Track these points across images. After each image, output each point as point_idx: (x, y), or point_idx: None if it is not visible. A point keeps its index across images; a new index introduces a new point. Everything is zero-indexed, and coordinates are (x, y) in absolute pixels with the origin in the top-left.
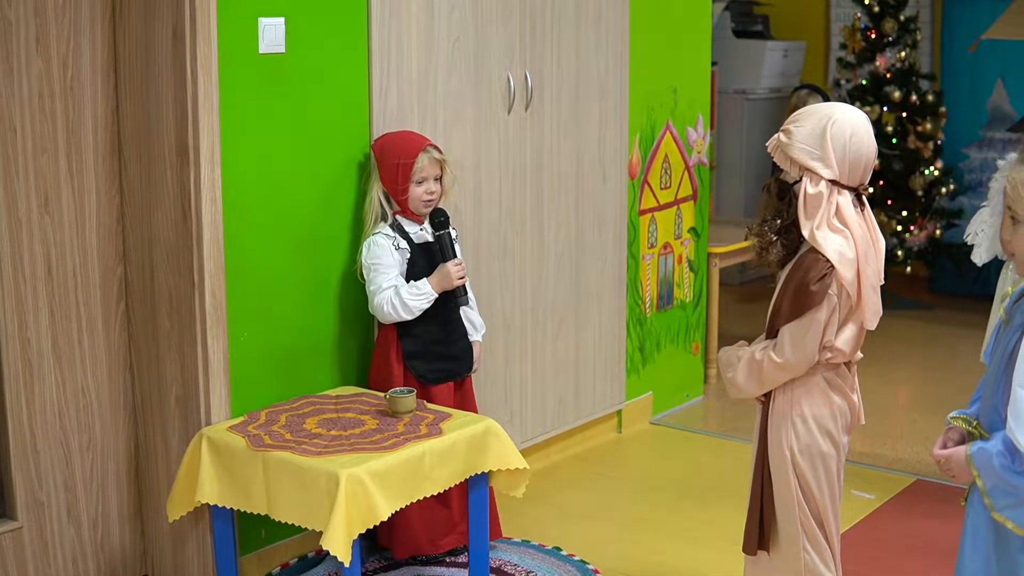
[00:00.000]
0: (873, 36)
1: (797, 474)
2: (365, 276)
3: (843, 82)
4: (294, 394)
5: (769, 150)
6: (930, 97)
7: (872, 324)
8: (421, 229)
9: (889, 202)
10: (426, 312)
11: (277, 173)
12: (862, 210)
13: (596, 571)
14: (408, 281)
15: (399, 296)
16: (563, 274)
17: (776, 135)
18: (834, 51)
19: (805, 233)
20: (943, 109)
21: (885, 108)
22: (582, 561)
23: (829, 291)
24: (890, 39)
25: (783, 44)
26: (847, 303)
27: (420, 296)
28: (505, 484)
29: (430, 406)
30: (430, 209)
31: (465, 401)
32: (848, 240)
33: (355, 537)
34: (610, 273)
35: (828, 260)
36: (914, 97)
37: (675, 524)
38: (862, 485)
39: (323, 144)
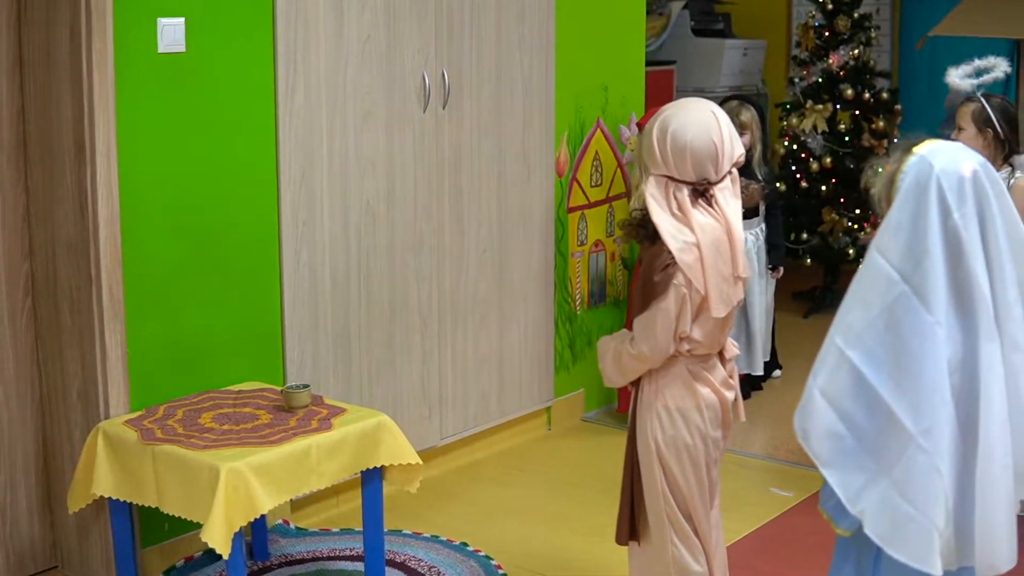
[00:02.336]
0: (827, 34)
1: (662, 465)
2: None
3: (796, 80)
4: (199, 388)
5: None
6: (885, 95)
7: (718, 312)
8: None
9: (842, 200)
10: None
11: (179, 171)
12: (709, 204)
13: (499, 567)
14: None
15: None
16: (485, 271)
17: None
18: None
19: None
20: (898, 107)
21: (838, 106)
22: (487, 557)
23: (674, 281)
24: (844, 37)
25: (743, 43)
26: (699, 293)
27: None
28: (400, 479)
29: (327, 401)
30: None
31: None
32: (685, 226)
33: (236, 530)
34: (536, 271)
35: (670, 251)
36: (867, 95)
37: (588, 520)
38: (783, 483)
39: (227, 142)
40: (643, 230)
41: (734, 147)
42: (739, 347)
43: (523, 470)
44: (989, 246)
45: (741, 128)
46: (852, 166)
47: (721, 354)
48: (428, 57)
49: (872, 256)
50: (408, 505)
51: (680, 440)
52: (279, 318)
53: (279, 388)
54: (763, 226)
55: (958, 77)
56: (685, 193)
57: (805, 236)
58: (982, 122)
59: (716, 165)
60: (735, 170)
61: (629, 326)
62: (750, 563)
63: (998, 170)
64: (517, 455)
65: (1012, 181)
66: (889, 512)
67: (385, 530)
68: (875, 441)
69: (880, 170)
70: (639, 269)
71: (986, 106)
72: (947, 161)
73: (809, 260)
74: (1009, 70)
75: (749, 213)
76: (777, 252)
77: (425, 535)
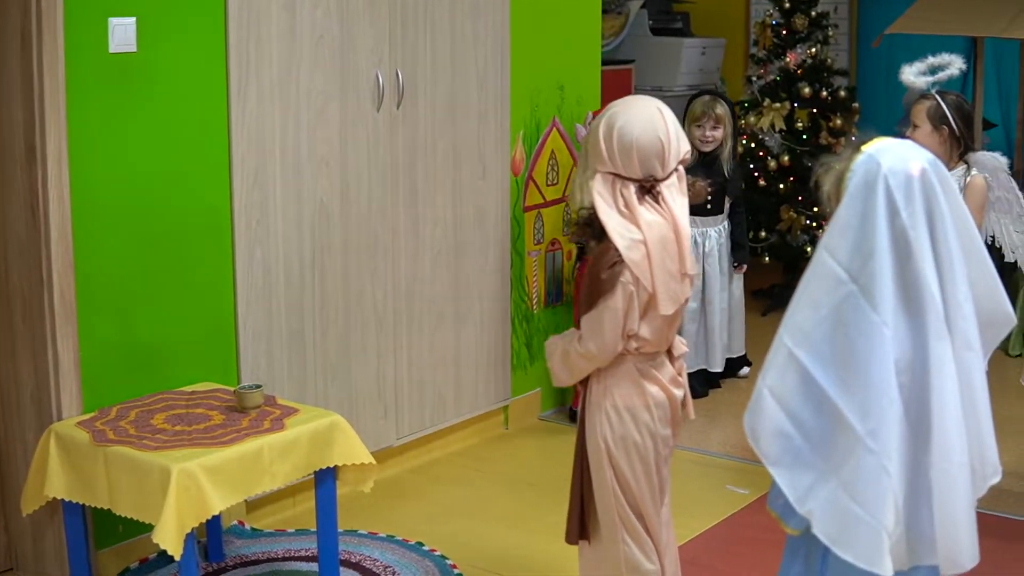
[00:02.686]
0: (785, 32)
1: (612, 464)
2: None
3: (754, 78)
4: (152, 389)
5: None
6: (842, 93)
7: (666, 309)
8: None
9: (800, 198)
10: None
11: (132, 172)
12: (655, 201)
13: (454, 566)
14: None
15: None
16: (440, 270)
17: None
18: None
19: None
20: (856, 105)
21: (796, 104)
22: (442, 556)
23: (622, 279)
24: (801, 35)
25: (701, 41)
26: (647, 291)
27: None
28: (353, 479)
29: (280, 401)
30: None
31: None
32: (632, 224)
33: (187, 531)
34: (492, 269)
35: (617, 249)
36: (825, 93)
37: (545, 519)
38: (739, 481)
39: (179, 142)
40: (590, 228)
41: (680, 144)
42: (698, 343)
43: (480, 469)
44: (938, 245)
45: (715, 122)
46: (810, 164)
47: (669, 352)
48: (382, 56)
49: (820, 255)
50: (364, 505)
51: (629, 439)
52: (232, 318)
53: (232, 388)
54: (727, 223)
55: (912, 74)
56: (632, 190)
57: (763, 234)
58: (937, 119)
59: (663, 162)
60: (682, 167)
61: (577, 325)
62: (705, 560)
63: (953, 168)
64: (474, 454)
65: (968, 179)
66: (837, 513)
67: (341, 530)
68: (823, 441)
69: (836, 167)
70: (584, 268)
71: (941, 103)
72: (895, 160)
73: (767, 258)
74: (964, 67)
75: (714, 210)
76: (742, 250)
77: (381, 535)
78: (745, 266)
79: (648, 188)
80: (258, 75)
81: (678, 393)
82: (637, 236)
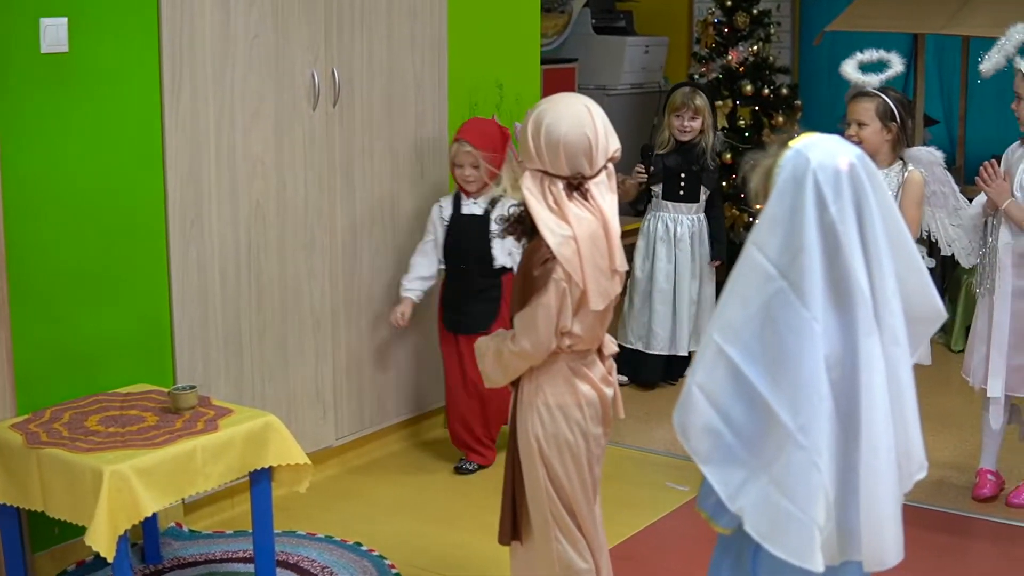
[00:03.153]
0: (727, 30)
1: (544, 463)
2: None
3: (697, 76)
4: (87, 391)
5: None
6: (784, 91)
7: (597, 305)
8: (474, 203)
9: (742, 196)
10: (450, 274)
11: (65, 173)
12: (584, 199)
13: (392, 566)
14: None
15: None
16: (379, 269)
17: None
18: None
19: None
20: (798, 102)
21: (738, 102)
22: (381, 556)
23: (554, 276)
24: (743, 33)
25: (644, 40)
26: (578, 288)
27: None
28: (289, 480)
29: (215, 402)
30: (472, 189)
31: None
32: (562, 220)
33: (120, 533)
34: None
35: (548, 246)
36: (767, 90)
37: (483, 518)
38: (680, 478)
39: (113, 142)
40: (520, 226)
41: (609, 142)
42: (664, 329)
43: (421, 469)
44: (867, 240)
45: (694, 113)
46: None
47: (600, 351)
48: (318, 55)
49: (749, 251)
50: (303, 506)
51: (561, 437)
52: (168, 319)
53: (167, 390)
54: (702, 215)
55: (854, 69)
56: (560, 187)
57: None
58: (886, 117)
59: (590, 159)
60: (611, 165)
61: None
62: (642, 556)
63: (890, 164)
64: (414, 454)
65: (905, 175)
66: (769, 509)
67: (279, 531)
68: (754, 438)
69: (763, 162)
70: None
71: (889, 101)
72: (823, 154)
73: None
74: (903, 66)
75: (687, 197)
76: (718, 244)
77: (319, 535)
78: (719, 261)
79: (576, 185)
80: (192, 75)
81: (609, 391)
82: (567, 232)
